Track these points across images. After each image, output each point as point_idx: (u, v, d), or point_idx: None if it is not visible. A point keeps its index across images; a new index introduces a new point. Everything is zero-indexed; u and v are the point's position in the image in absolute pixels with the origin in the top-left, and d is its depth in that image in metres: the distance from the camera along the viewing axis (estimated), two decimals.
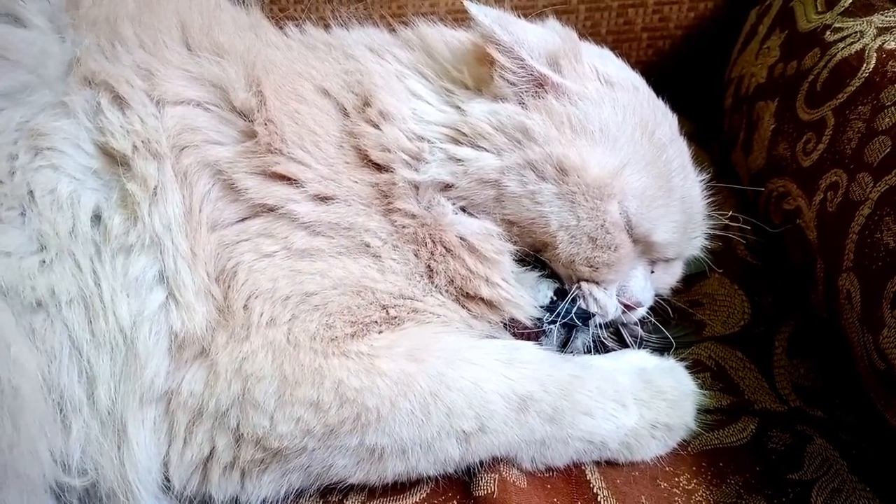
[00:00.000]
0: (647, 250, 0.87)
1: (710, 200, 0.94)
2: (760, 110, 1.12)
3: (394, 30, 0.96)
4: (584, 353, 0.86)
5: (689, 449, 0.82)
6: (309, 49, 0.91)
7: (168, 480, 0.74)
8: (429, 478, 0.78)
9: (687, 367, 0.87)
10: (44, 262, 0.70)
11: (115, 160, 0.75)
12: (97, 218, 0.73)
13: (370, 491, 0.78)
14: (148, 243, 0.73)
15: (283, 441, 0.72)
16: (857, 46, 0.95)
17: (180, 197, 0.75)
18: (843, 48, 0.97)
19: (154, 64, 0.80)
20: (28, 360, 0.66)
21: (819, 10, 1.07)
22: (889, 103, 0.85)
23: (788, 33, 1.11)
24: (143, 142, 0.75)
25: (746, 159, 1.14)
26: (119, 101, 0.77)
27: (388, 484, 0.77)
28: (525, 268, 0.84)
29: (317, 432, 0.72)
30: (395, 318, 0.78)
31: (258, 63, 0.82)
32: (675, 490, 0.78)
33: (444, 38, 0.91)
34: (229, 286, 0.75)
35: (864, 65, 0.92)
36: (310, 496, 0.77)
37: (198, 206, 0.76)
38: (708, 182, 0.95)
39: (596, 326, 0.85)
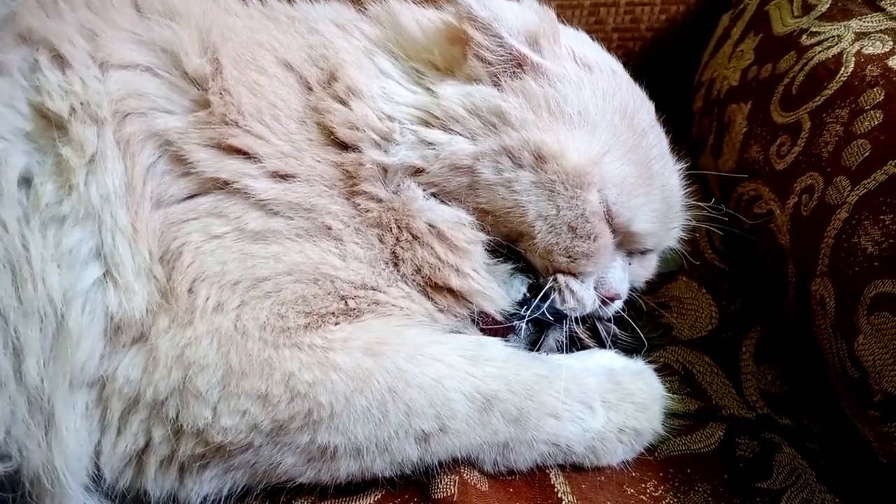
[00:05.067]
0: (626, 241, 0.84)
1: (687, 190, 0.92)
2: (732, 113, 1.10)
3: (363, 7, 0.91)
4: (557, 351, 0.83)
5: (657, 454, 0.80)
6: (271, 20, 0.86)
7: (100, 472, 0.68)
8: (385, 478, 0.73)
9: (655, 371, 0.84)
10: None
11: (50, 123, 0.69)
12: (26, 181, 0.68)
13: (321, 491, 0.73)
14: (83, 215, 0.67)
15: (226, 435, 0.67)
16: (835, 50, 0.94)
17: (122, 167, 0.70)
18: (821, 52, 0.96)
19: (100, 24, 0.75)
20: None
21: (795, 14, 1.06)
22: (868, 107, 0.84)
23: (763, 36, 1.10)
24: (81, 104, 0.70)
25: (716, 162, 1.13)
26: (59, 59, 0.72)
27: (340, 484, 0.72)
28: (497, 259, 0.81)
29: (264, 427, 0.67)
30: (354, 309, 0.73)
31: (215, 29, 0.77)
32: (642, 496, 0.75)
33: (414, 16, 0.87)
34: (174, 268, 0.69)
35: (843, 68, 0.91)
36: (256, 496, 0.72)
37: (141, 179, 0.70)
38: (685, 171, 0.93)
39: (570, 323, 0.82)
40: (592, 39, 0.96)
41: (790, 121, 0.95)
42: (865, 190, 0.79)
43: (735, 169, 1.06)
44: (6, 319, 0.64)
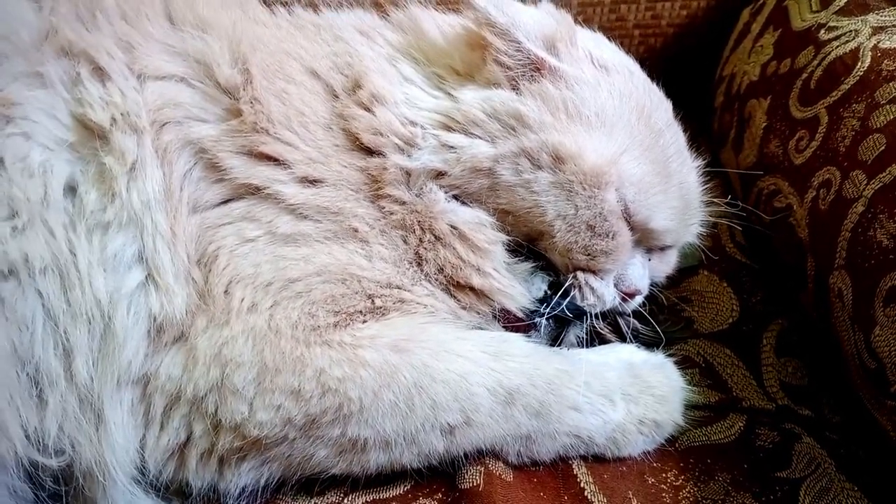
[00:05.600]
0: (644, 238, 0.86)
1: (706, 186, 0.94)
2: (752, 108, 1.11)
3: (385, 13, 0.94)
4: (578, 346, 0.85)
5: (677, 445, 0.82)
6: (297, 29, 0.89)
7: (145, 464, 0.72)
8: (413, 470, 0.77)
9: (675, 363, 0.86)
10: (16, 227, 0.68)
11: (92, 133, 0.73)
12: (71, 189, 0.72)
13: (353, 482, 0.76)
14: (126, 221, 0.71)
15: (262, 429, 0.70)
16: (852, 45, 0.95)
17: (160, 174, 0.73)
18: (838, 46, 0.97)
19: (135, 36, 0.79)
20: None
21: (814, 8, 1.07)
22: (884, 101, 0.85)
23: (782, 32, 1.11)
24: (122, 115, 0.73)
25: (737, 157, 1.14)
26: (99, 72, 0.75)
27: (371, 475, 0.75)
28: (518, 259, 0.83)
29: (297, 422, 0.70)
30: (381, 308, 0.76)
31: (244, 40, 0.80)
32: (662, 486, 0.77)
33: (435, 22, 0.90)
34: (210, 270, 0.73)
35: (859, 63, 0.92)
36: (291, 486, 0.76)
37: (178, 186, 0.74)
38: (703, 168, 0.95)
39: (590, 318, 0.84)
40: (613, 37, 0.97)
41: (808, 115, 0.96)
42: (881, 184, 0.80)
43: (755, 163, 1.07)
44: (56, 322, 0.67)
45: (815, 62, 0.99)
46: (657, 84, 0.94)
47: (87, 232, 0.70)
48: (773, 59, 1.09)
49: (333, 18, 0.92)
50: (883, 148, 0.82)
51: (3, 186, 0.68)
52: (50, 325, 0.68)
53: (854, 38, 0.95)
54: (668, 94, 0.96)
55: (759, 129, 1.07)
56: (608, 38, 0.97)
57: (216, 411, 0.70)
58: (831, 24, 1.01)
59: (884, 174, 0.80)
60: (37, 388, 0.67)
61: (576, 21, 0.89)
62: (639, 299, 0.89)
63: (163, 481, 0.73)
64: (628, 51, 0.98)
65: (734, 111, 1.18)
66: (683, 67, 1.35)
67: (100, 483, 0.69)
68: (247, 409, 0.69)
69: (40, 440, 0.67)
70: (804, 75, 1.00)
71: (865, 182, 0.82)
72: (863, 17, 0.97)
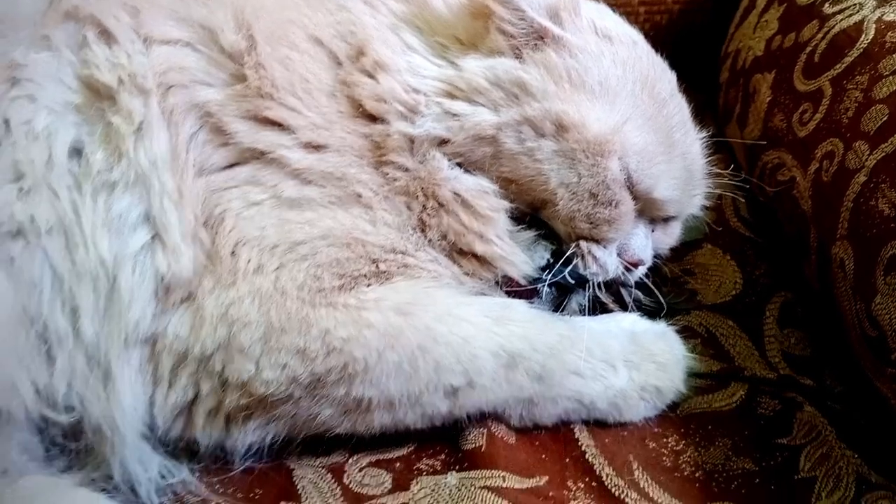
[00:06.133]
0: (647, 208, 0.87)
1: (709, 159, 0.95)
2: (757, 83, 1.12)
3: None
4: (581, 314, 0.86)
5: (678, 412, 0.83)
6: None
7: (153, 422, 0.73)
8: (416, 431, 0.78)
9: (678, 333, 0.87)
10: (21, 189, 0.70)
11: (98, 95, 0.75)
12: (76, 151, 0.73)
13: (357, 443, 0.78)
14: (133, 180, 0.72)
15: (268, 387, 0.71)
16: (856, 18, 0.96)
17: (167, 136, 0.75)
18: (842, 20, 0.98)
19: (141, 2, 0.80)
20: (6, 289, 0.67)
21: None
22: (887, 73, 0.86)
23: (787, 6, 1.12)
24: (129, 76, 0.75)
25: (742, 132, 1.15)
26: (106, 35, 0.77)
27: (375, 435, 0.77)
28: (521, 227, 0.84)
29: (303, 380, 0.72)
30: (385, 272, 0.77)
31: (248, 7, 0.81)
32: (663, 450, 0.79)
33: None
34: (217, 232, 0.74)
35: (863, 35, 0.93)
36: (296, 445, 0.77)
37: (184, 148, 0.75)
38: (707, 139, 0.96)
39: (593, 287, 0.85)
40: (617, 13, 0.99)
41: (812, 89, 0.97)
42: (883, 154, 0.81)
43: (760, 138, 1.08)
44: (62, 281, 0.69)
45: (820, 35, 1.00)
46: (665, 58, 0.95)
47: (92, 192, 0.71)
48: (778, 34, 1.10)
49: None
50: (885, 118, 0.83)
51: (8, 150, 0.70)
52: (56, 284, 0.69)
53: (858, 11, 0.96)
54: (674, 71, 0.96)
55: (764, 104, 1.07)
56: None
57: (223, 370, 0.71)
58: None
59: (886, 144, 0.81)
60: (45, 345, 0.68)
61: None
62: (642, 270, 0.90)
63: (171, 439, 0.74)
64: (634, 28, 0.99)
65: (739, 86, 1.18)
66: (689, 44, 1.36)
67: (109, 439, 0.70)
68: (253, 368, 0.71)
69: (50, 396, 0.68)
70: (808, 49, 1.01)
71: (868, 152, 0.83)
72: None
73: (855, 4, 0.97)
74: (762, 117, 1.07)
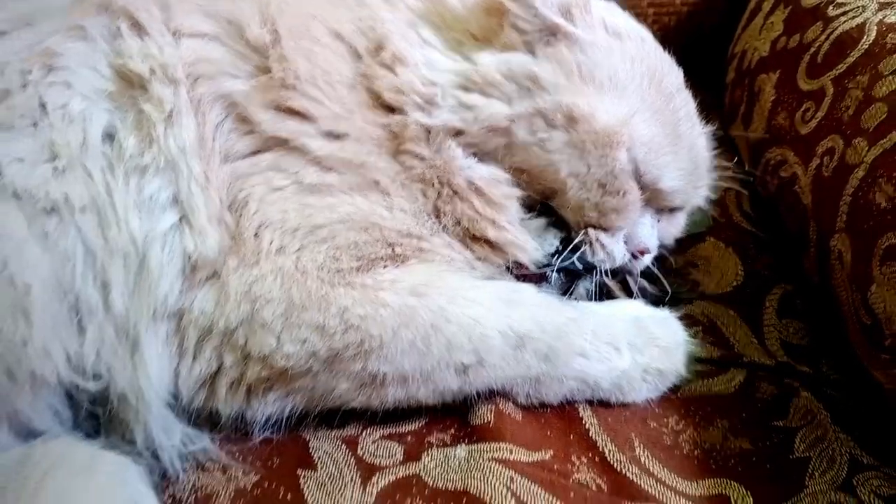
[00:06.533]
0: (654, 198, 0.90)
1: (714, 152, 0.98)
2: (762, 83, 1.15)
3: None
4: (587, 299, 0.89)
5: (679, 394, 0.85)
6: None
7: (178, 392, 0.76)
8: (428, 406, 0.81)
9: (680, 321, 0.89)
10: (56, 169, 0.72)
11: (131, 84, 0.78)
12: (109, 136, 0.76)
13: (371, 417, 0.80)
14: (163, 165, 0.76)
15: (288, 360, 0.74)
16: (859, 20, 0.99)
17: (194, 123, 0.78)
18: (845, 21, 1.01)
19: None
20: (41, 261, 0.69)
21: None
22: (887, 72, 0.89)
23: (792, 9, 1.15)
24: (160, 66, 0.78)
25: (746, 131, 1.18)
26: (138, 27, 0.80)
27: (388, 410, 0.80)
28: (532, 214, 0.87)
29: (322, 355, 0.74)
30: (401, 255, 0.80)
31: (272, 3, 0.85)
32: (663, 430, 0.81)
33: None
34: (241, 215, 0.77)
35: (865, 37, 0.96)
36: (313, 418, 0.80)
37: (211, 135, 0.78)
38: (712, 134, 0.99)
39: (600, 274, 0.88)
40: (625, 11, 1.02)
41: (815, 87, 1.00)
42: (882, 149, 0.84)
43: (763, 135, 1.11)
44: (94, 256, 0.72)
45: (823, 37, 1.03)
46: (674, 57, 0.98)
47: (124, 175, 0.74)
48: (783, 35, 1.13)
49: None
50: (884, 116, 0.86)
51: (45, 131, 0.73)
52: (89, 259, 0.72)
53: (861, 14, 0.99)
54: (682, 70, 0.99)
55: (768, 102, 1.11)
56: None
57: (246, 343, 0.74)
58: (839, 0, 1.04)
59: (884, 140, 0.84)
60: (77, 316, 0.71)
61: None
62: (647, 259, 0.92)
63: (194, 408, 0.77)
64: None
65: (745, 86, 1.22)
66: (696, 45, 1.39)
67: (134, 407, 0.73)
68: (275, 342, 0.74)
69: (79, 364, 0.71)
70: (812, 49, 1.04)
71: (867, 148, 0.86)
72: None
73: (858, 7, 1.00)
74: (766, 116, 1.10)
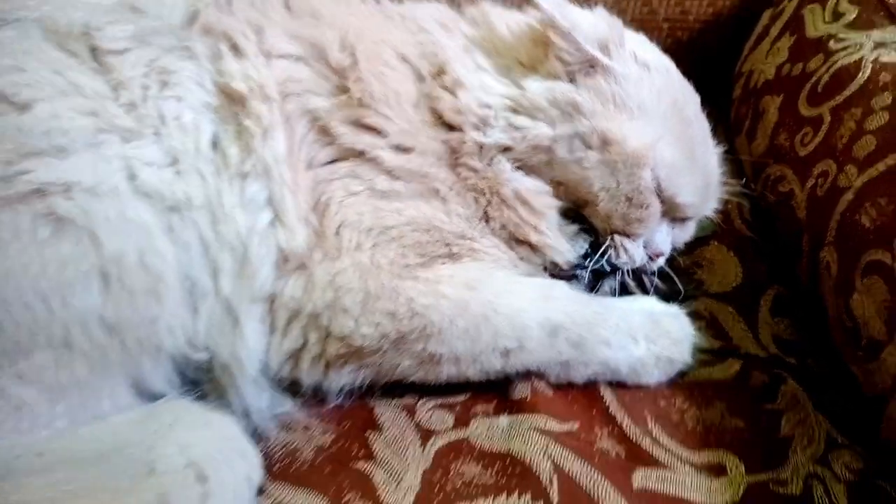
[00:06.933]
0: (670, 210, 1.01)
1: (723, 170, 1.10)
2: (766, 104, 1.25)
3: (459, 6, 1.11)
4: (610, 295, 1.01)
5: (685, 379, 0.96)
6: (387, 19, 1.04)
7: (267, 364, 0.87)
8: (474, 382, 0.92)
9: (687, 315, 1.01)
10: (178, 172, 0.82)
11: (232, 100, 0.88)
12: (215, 145, 0.87)
13: (425, 389, 0.92)
14: (260, 172, 0.86)
15: (364, 340, 0.86)
16: (856, 56, 1.08)
17: (285, 136, 0.89)
18: (844, 56, 1.10)
19: (263, 21, 0.95)
20: (168, 251, 0.79)
21: (826, 20, 1.21)
22: (878, 108, 0.99)
23: (797, 38, 1.24)
24: (258, 86, 0.89)
25: (750, 145, 1.28)
26: (236, 49, 0.91)
27: (440, 384, 0.92)
28: (567, 221, 0.99)
29: (391, 337, 0.87)
30: (456, 254, 0.92)
31: (350, 30, 0.95)
32: (671, 408, 0.93)
33: (503, 19, 1.05)
34: (323, 215, 0.89)
35: (861, 73, 1.05)
36: (378, 389, 0.92)
37: (298, 146, 0.90)
38: (722, 154, 1.11)
39: (622, 274, 1.01)
40: (643, 29, 1.09)
41: (814, 115, 1.09)
42: (868, 177, 0.93)
43: (766, 152, 1.22)
44: (208, 248, 0.82)
45: (824, 68, 1.12)
46: (686, 72, 1.09)
47: (229, 179, 0.85)
48: (788, 62, 1.23)
49: (415, 10, 1.07)
50: (873, 148, 0.95)
51: (166, 139, 0.82)
52: (204, 250, 0.82)
53: (859, 51, 1.08)
54: (692, 84, 1.10)
55: (771, 123, 1.20)
56: (638, 29, 1.11)
57: (328, 325, 0.85)
58: (840, 35, 1.14)
59: (871, 169, 0.94)
60: (192, 298, 0.82)
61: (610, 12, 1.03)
62: (661, 260, 1.04)
63: (280, 377, 0.88)
64: (657, 42, 1.10)
65: (750, 104, 1.32)
66: (707, 60, 1.46)
67: (233, 375, 0.84)
68: (353, 325, 0.85)
69: (192, 339, 0.82)
70: (813, 79, 1.13)
71: (856, 175, 0.96)
72: (867, 32, 1.11)
73: (856, 44, 1.10)
74: (769, 134, 1.21)
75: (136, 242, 0.78)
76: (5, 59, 0.81)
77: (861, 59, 1.08)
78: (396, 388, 0.92)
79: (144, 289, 0.78)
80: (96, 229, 0.76)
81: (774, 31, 1.34)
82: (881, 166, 0.95)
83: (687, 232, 1.10)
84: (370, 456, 0.85)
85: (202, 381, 0.87)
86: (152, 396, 0.83)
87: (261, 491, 0.80)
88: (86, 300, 0.76)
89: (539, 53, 0.99)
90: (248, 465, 0.78)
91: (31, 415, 0.75)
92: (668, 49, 1.12)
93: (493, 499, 0.81)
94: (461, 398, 0.93)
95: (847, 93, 1.06)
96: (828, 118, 1.07)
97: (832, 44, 1.15)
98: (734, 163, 1.27)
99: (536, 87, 0.96)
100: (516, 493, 0.81)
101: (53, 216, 0.75)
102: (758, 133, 1.26)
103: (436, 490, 0.81)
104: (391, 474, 0.83)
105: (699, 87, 1.11)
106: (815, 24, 1.23)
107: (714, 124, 1.15)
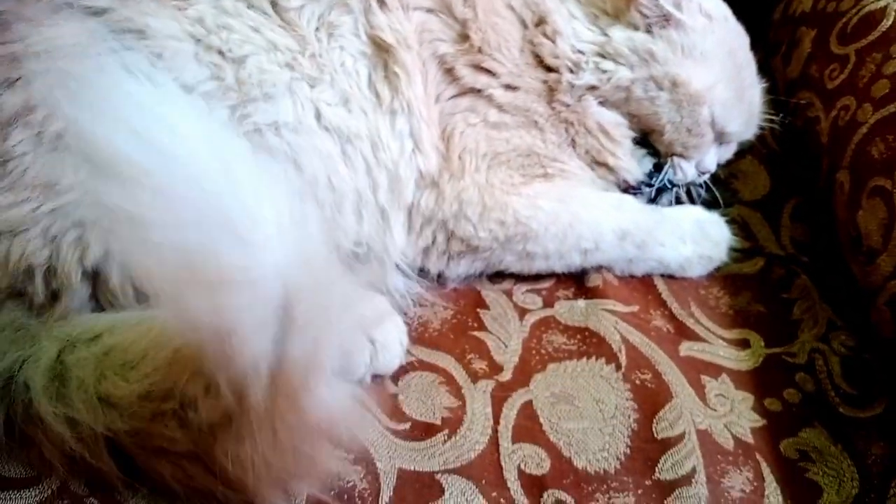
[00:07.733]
0: (719, 136, 1.16)
1: (765, 100, 1.23)
2: (802, 34, 1.34)
3: None
4: (667, 205, 1.19)
5: (720, 273, 1.15)
6: None
7: (406, 256, 1.06)
8: (557, 274, 1.13)
9: (725, 221, 1.18)
10: (349, 110, 0.98)
11: (381, 48, 1.01)
12: (370, 87, 1.01)
13: (519, 277, 1.13)
14: (405, 109, 1.02)
15: (480, 241, 1.07)
16: (882, 3, 1.17)
17: (421, 78, 1.08)
18: (872, 2, 1.19)
19: None
20: (345, 173, 0.97)
21: None
22: (895, 56, 1.09)
23: None
24: (403, 37, 1.02)
25: (784, 68, 1.41)
26: (382, 4, 1.03)
27: (531, 274, 1.12)
28: (637, 147, 1.20)
29: (500, 238, 1.10)
30: (550, 174, 1.14)
31: None
32: (709, 295, 1.13)
33: None
34: (449, 143, 1.06)
35: (885, 20, 1.15)
36: (485, 276, 1.13)
37: (429, 86, 1.10)
38: (764, 89, 1.28)
39: (678, 188, 1.23)
40: None
41: (842, 53, 1.20)
42: (881, 116, 1.06)
43: (798, 77, 1.34)
44: (370, 170, 1.00)
45: (854, 10, 1.22)
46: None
47: (383, 115, 1.00)
48: None
49: None
50: (887, 91, 1.07)
51: (338, 83, 0.98)
52: (368, 171, 0.99)
53: None
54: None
55: (805, 53, 1.31)
56: None
57: (453, 229, 1.05)
58: None
59: (884, 110, 1.06)
60: (359, 208, 0.99)
61: None
62: (706, 175, 1.26)
63: (415, 266, 1.07)
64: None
65: (788, 30, 1.40)
66: None
67: (384, 264, 1.03)
68: (472, 230, 1.05)
69: (356, 238, 0.99)
70: (844, 19, 1.23)
71: (871, 112, 1.07)
72: None
73: None
74: (802, 63, 1.33)
75: (325, 168, 1.00)
76: (209, 18, 0.99)
77: (886, 7, 1.16)
78: (497, 276, 1.13)
79: (331, 203, 1.01)
80: (299, 158, 0.98)
81: None
82: (892, 108, 1.06)
83: (730, 150, 1.24)
84: (482, 327, 1.05)
85: (361, 270, 1.09)
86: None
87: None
88: None
89: (622, 5, 1.17)
90: (398, 331, 0.97)
91: None
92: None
93: (577, 360, 1.01)
94: (547, 284, 1.12)
95: (871, 37, 1.15)
96: (853, 59, 1.17)
97: None
98: (772, 81, 1.41)
99: (619, 36, 1.15)
100: (594, 357, 1.01)
101: (269, 150, 0.96)
102: (793, 59, 1.39)
103: (532, 353, 1.02)
104: (499, 340, 1.04)
105: (736, 9, 1.26)
106: None
107: (753, 44, 1.28)
